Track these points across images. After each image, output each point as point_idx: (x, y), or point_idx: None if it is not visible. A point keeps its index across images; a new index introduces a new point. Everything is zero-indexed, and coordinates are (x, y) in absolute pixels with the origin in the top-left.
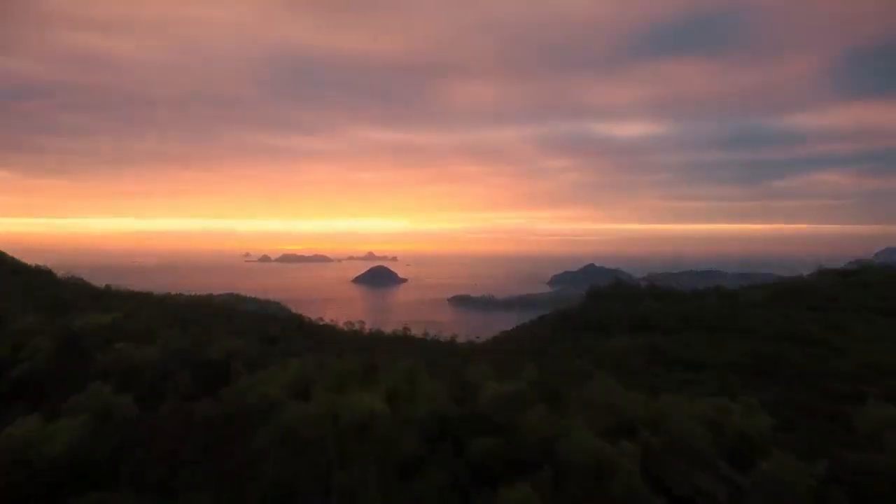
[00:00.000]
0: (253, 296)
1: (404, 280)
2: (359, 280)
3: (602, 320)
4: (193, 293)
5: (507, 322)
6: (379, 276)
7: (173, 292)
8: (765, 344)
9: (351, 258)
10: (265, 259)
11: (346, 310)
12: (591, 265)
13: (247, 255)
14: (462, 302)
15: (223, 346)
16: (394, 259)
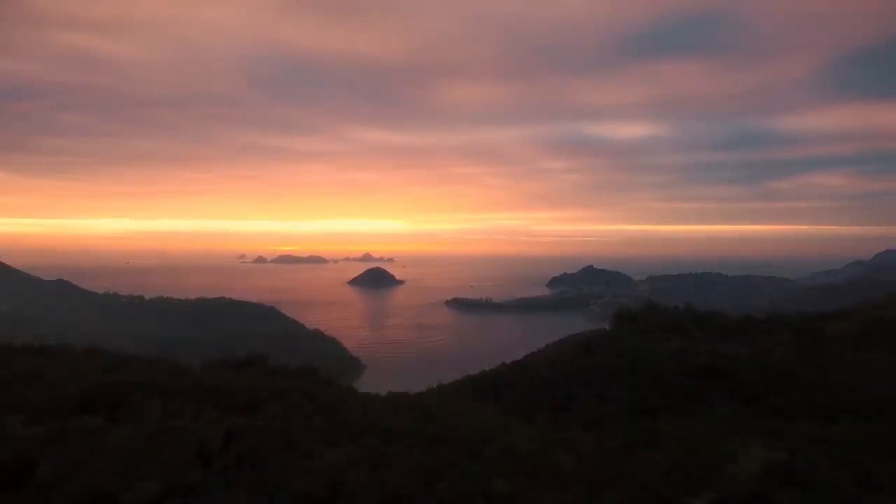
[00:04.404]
0: (247, 299)
1: (401, 282)
2: (355, 282)
3: (649, 365)
4: (185, 297)
5: (505, 325)
6: (376, 278)
7: (166, 295)
8: None
9: (347, 259)
10: (261, 260)
11: (343, 314)
12: (590, 267)
13: (242, 256)
14: (460, 304)
15: None
16: (391, 260)
